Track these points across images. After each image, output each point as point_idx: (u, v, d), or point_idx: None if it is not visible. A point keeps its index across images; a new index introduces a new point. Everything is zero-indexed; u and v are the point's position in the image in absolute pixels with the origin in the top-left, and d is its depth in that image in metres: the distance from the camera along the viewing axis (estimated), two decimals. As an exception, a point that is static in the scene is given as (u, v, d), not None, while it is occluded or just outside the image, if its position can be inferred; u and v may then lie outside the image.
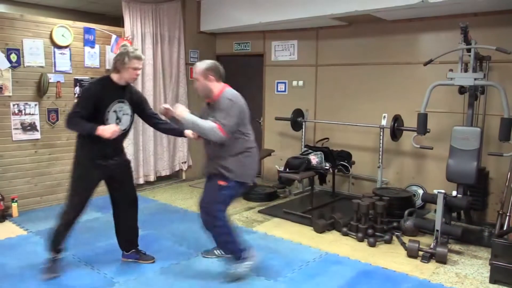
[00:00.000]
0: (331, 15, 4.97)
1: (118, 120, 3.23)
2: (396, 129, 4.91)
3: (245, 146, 3.21)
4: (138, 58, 3.19)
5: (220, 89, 3.18)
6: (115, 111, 3.20)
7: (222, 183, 3.17)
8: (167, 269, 3.46)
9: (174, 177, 6.63)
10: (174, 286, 3.16)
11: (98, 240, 4.05)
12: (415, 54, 5.13)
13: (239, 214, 4.96)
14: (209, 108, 3.25)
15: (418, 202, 4.94)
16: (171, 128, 3.47)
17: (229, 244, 3.25)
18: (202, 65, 3.18)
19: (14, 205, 4.67)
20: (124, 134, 3.34)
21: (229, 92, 3.18)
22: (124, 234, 3.58)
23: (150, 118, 3.49)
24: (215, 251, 3.69)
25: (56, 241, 3.31)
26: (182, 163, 6.55)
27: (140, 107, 3.41)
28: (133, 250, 3.61)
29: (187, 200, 5.54)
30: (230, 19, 6.05)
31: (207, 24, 6.47)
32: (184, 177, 6.64)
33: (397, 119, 4.92)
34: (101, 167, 3.23)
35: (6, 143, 4.69)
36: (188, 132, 3.31)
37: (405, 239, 4.04)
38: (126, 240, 3.60)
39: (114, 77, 3.21)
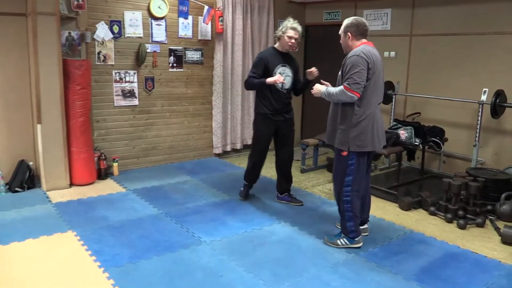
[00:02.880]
0: (430, -20, 4.62)
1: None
2: (498, 106, 4.52)
3: (364, 111, 3.13)
4: (293, 29, 3.88)
5: (356, 46, 3.17)
6: (280, 73, 3.93)
7: (344, 153, 3.21)
8: (250, 233, 3.61)
9: (259, 146, 6.75)
10: (256, 250, 3.30)
11: (187, 201, 4.32)
12: (527, 23, 4.61)
13: (322, 185, 4.97)
14: None
15: (518, 185, 4.56)
16: (301, 86, 4.14)
17: (345, 218, 3.29)
18: (345, 22, 3.24)
19: (115, 164, 5.13)
20: (288, 93, 4.07)
21: (359, 48, 3.12)
22: (280, 180, 4.35)
23: (296, 83, 4.12)
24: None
25: (247, 176, 4.35)
26: (267, 133, 6.65)
27: (296, 72, 4.11)
28: (286, 193, 4.37)
29: (271, 168, 5.62)
30: (320, -12, 5.89)
31: (297, -7, 6.37)
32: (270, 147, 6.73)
33: (499, 94, 4.51)
34: (272, 121, 4.03)
35: (109, 108, 5.13)
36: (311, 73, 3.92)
37: (500, 224, 3.78)
38: (281, 185, 4.36)
39: (277, 46, 4.03)
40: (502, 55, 4.82)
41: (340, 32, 3.28)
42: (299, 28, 3.93)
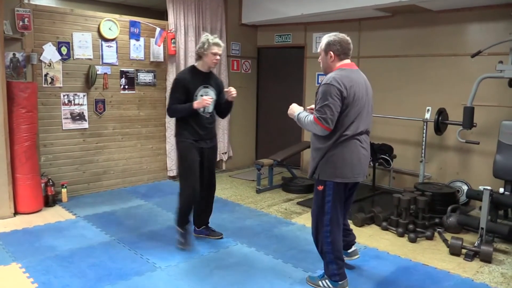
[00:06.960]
0: (374, 5, 4.86)
1: None
2: (441, 123, 4.77)
3: (340, 138, 2.74)
4: (216, 44, 3.53)
5: (336, 68, 2.80)
6: (201, 95, 3.54)
7: (320, 187, 2.86)
8: (207, 257, 3.55)
9: (214, 167, 6.73)
10: (213, 274, 3.24)
11: (141, 226, 4.20)
12: (462, 46, 4.94)
13: (278, 205, 4.99)
14: None
15: (462, 198, 4.80)
16: (225, 107, 3.77)
17: (327, 260, 2.93)
18: (325, 39, 2.85)
19: (64, 190, 4.91)
20: (211, 117, 3.70)
21: (333, 74, 2.74)
22: (200, 214, 3.89)
23: (219, 104, 3.76)
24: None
25: (182, 219, 3.68)
26: (223, 153, 6.65)
27: (220, 93, 3.75)
28: (204, 227, 3.94)
29: (226, 190, 5.62)
30: (271, 11, 6.04)
31: (249, 16, 6.50)
32: (224, 168, 6.74)
33: (441, 112, 4.77)
34: (196, 147, 3.61)
35: (57, 132, 4.94)
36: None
37: (448, 236, 3.94)
38: (201, 218, 3.92)
39: (198, 65, 3.65)
40: (442, 75, 5.12)
41: (319, 50, 2.90)
42: (222, 43, 3.60)
